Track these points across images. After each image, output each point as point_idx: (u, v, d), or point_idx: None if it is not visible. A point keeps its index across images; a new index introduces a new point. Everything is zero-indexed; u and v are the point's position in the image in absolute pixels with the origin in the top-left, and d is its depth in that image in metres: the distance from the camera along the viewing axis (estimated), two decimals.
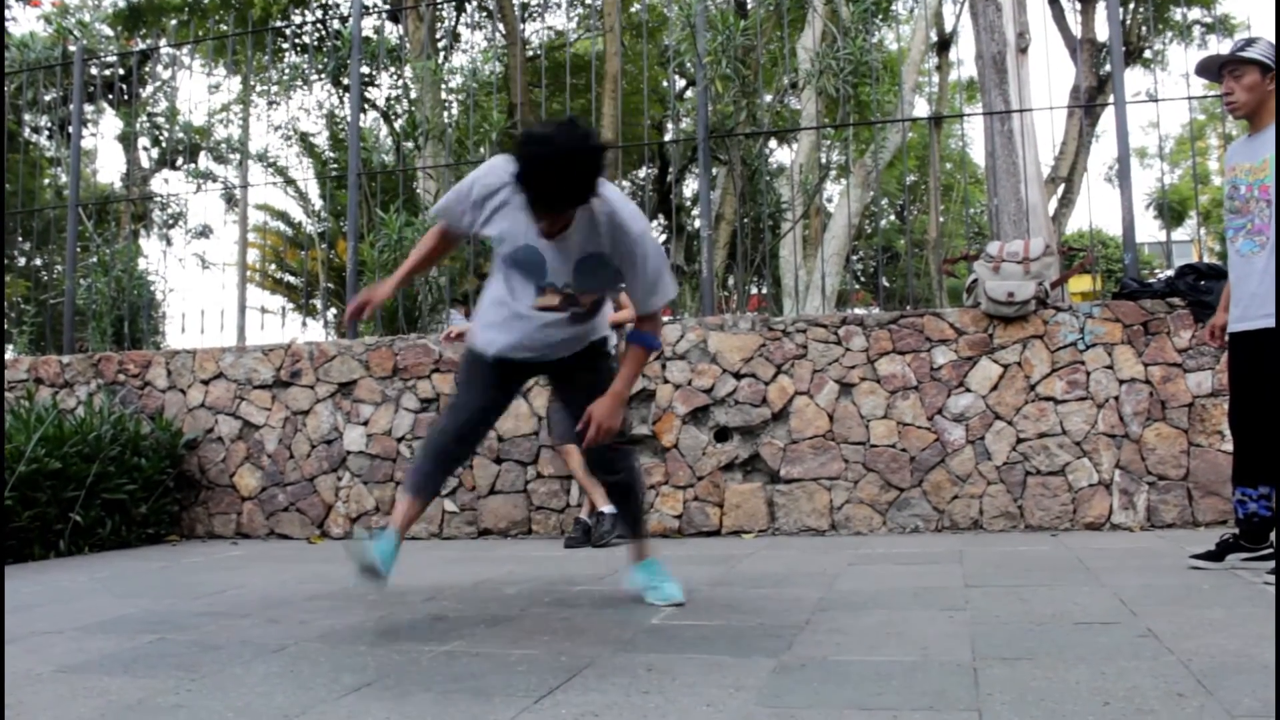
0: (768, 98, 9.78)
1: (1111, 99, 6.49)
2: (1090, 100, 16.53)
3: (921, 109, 19.35)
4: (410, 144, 9.68)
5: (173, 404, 7.16)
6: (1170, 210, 21.69)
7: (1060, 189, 17.53)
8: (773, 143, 13.60)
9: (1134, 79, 24.20)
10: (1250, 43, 3.93)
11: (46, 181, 16.06)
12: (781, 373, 6.12)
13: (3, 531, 5.19)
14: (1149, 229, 30.19)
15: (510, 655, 2.89)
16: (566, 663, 2.76)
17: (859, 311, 6.22)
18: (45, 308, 10.72)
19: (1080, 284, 15.77)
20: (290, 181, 19.84)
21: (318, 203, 20.10)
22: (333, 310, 16.77)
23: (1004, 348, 5.87)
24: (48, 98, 10.47)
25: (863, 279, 23.77)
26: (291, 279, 21.64)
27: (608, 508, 5.86)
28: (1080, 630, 2.96)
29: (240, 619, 3.67)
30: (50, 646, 3.25)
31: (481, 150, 8.48)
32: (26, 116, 12.75)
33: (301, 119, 18.82)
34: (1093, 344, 5.77)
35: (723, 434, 6.21)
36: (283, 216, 22.71)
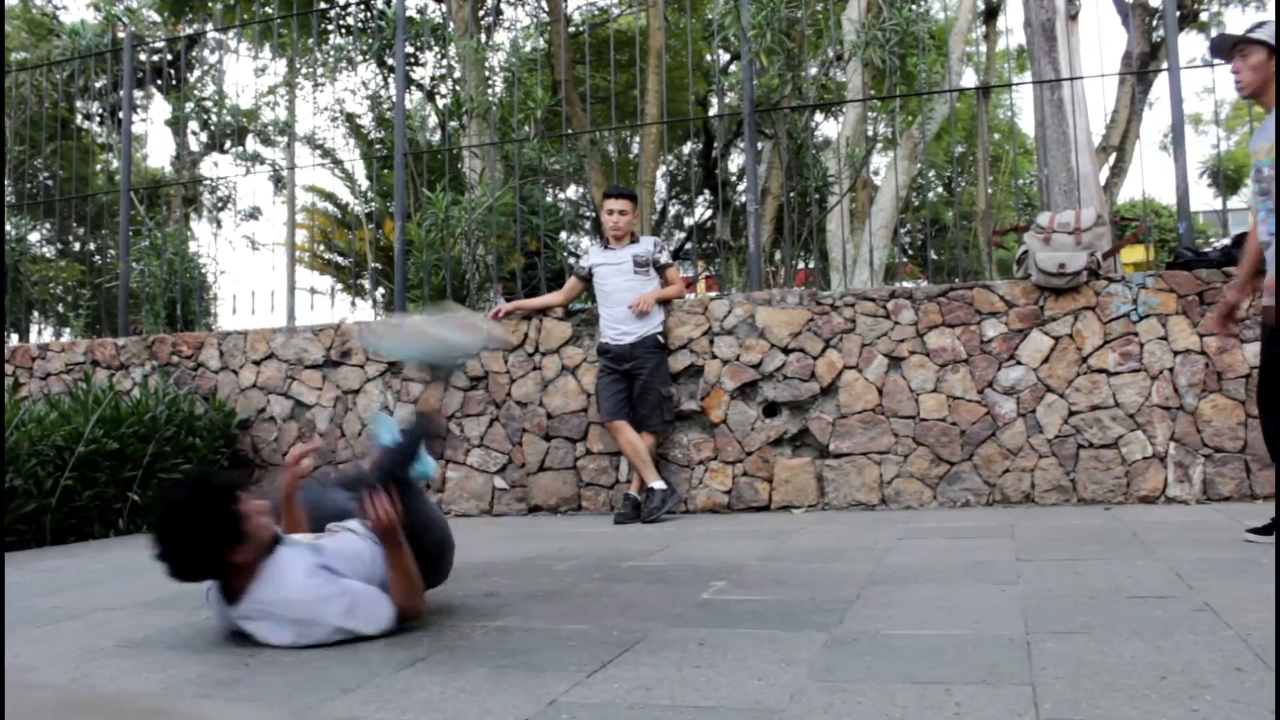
0: (813, 70, 9.69)
1: (1165, 64, 6.36)
2: (1143, 66, 16.22)
3: (969, 79, 19.14)
4: (455, 123, 9.71)
5: (225, 384, 7.26)
6: (1226, 178, 21.32)
7: (1112, 158, 17.23)
8: (819, 116, 13.49)
9: (1188, 43, 23.75)
10: (1260, 25, 4.03)
11: (99, 167, 16.27)
12: (830, 347, 6.09)
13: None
14: (1204, 197, 29.75)
15: (562, 630, 2.90)
16: (618, 637, 2.77)
17: (907, 285, 6.16)
18: (100, 291, 10.87)
19: (1133, 254, 15.56)
20: (337, 162, 19.97)
21: (364, 183, 20.21)
22: (381, 290, 16.89)
23: (1055, 320, 5.80)
24: (98, 84, 10.59)
25: (910, 252, 23.56)
26: (340, 259, 21.81)
27: (657, 484, 5.88)
28: (1135, 604, 2.93)
29: None
30: (112, 622, 3.31)
31: (526, 128, 8.48)
32: (78, 103, 12.92)
33: (347, 100, 18.89)
34: (1146, 315, 5.68)
35: (771, 409, 6.19)
36: (330, 197, 22.90)
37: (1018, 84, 17.33)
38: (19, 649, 2.96)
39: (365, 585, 2.91)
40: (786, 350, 6.15)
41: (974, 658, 2.40)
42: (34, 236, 11.51)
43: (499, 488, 6.60)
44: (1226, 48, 4.11)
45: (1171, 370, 5.62)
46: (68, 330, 12.71)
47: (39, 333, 13.24)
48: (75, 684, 2.51)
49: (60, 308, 14.15)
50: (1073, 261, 5.70)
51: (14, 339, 10.34)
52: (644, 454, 6.00)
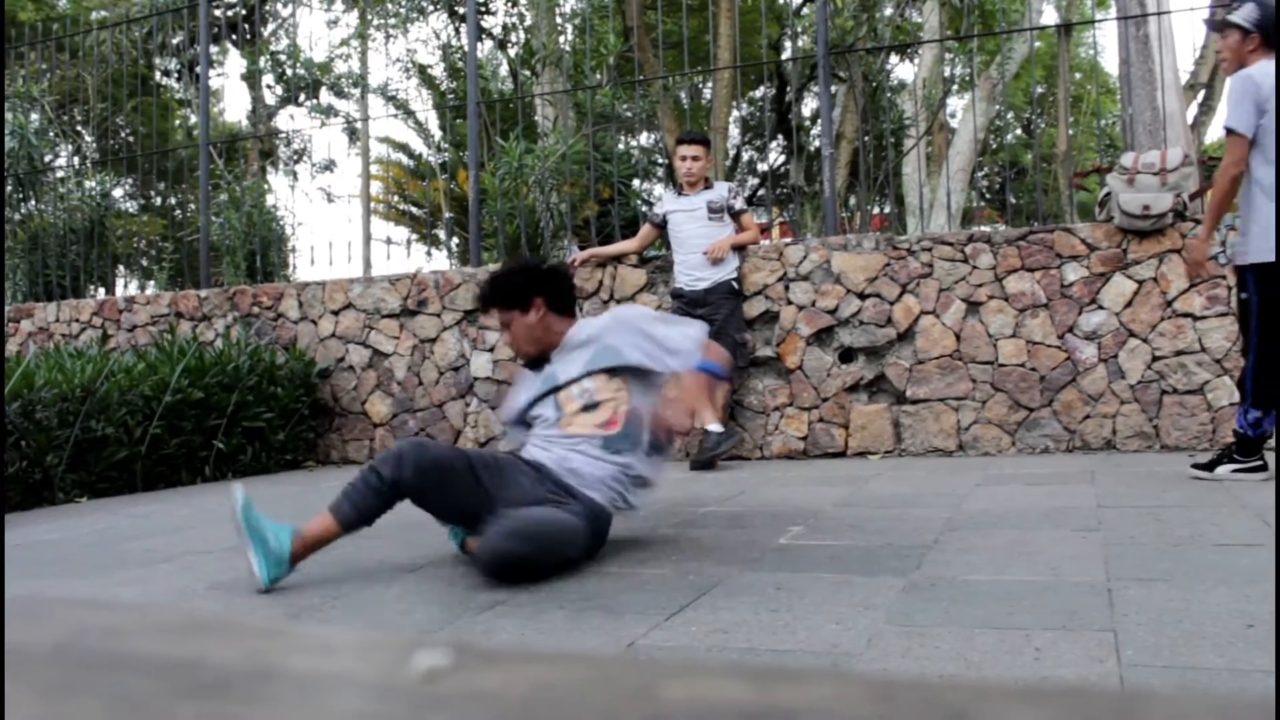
0: (888, 10, 9.51)
1: None
2: None
3: (1050, 16, 18.61)
4: (527, 71, 9.70)
5: (305, 334, 7.38)
6: None
7: (1200, 95, 16.71)
8: (894, 57, 13.24)
9: None
10: (1240, 5, 4.40)
11: (177, 122, 16.53)
12: (907, 292, 6.03)
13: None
14: None
15: (640, 574, 2.93)
16: (695, 581, 2.79)
17: (985, 229, 6.06)
18: (182, 245, 11.09)
19: None
20: (410, 113, 20.06)
21: (437, 133, 20.29)
22: (455, 239, 17.01)
23: (1139, 263, 5.67)
24: (175, 41, 10.74)
25: (989, 196, 23.13)
26: (414, 210, 21.96)
27: (714, 425, 5.87)
28: (1220, 552, 2.89)
29: (377, 540, 3.78)
30: (202, 565, 3.41)
31: (598, 75, 8.44)
32: (157, 60, 13.09)
33: (419, 51, 18.94)
34: None
35: (847, 355, 6.15)
36: (404, 148, 23.01)
37: (1101, 20, 16.81)
38: (116, 590, 3.07)
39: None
40: (862, 295, 6.09)
41: (1054, 603, 2.38)
42: (118, 192, 11.74)
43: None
44: (1217, 27, 4.53)
45: None
46: (152, 283, 12.99)
47: (124, 286, 13.56)
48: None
49: (144, 261, 14.44)
50: (1158, 203, 5.56)
51: (100, 292, 10.60)
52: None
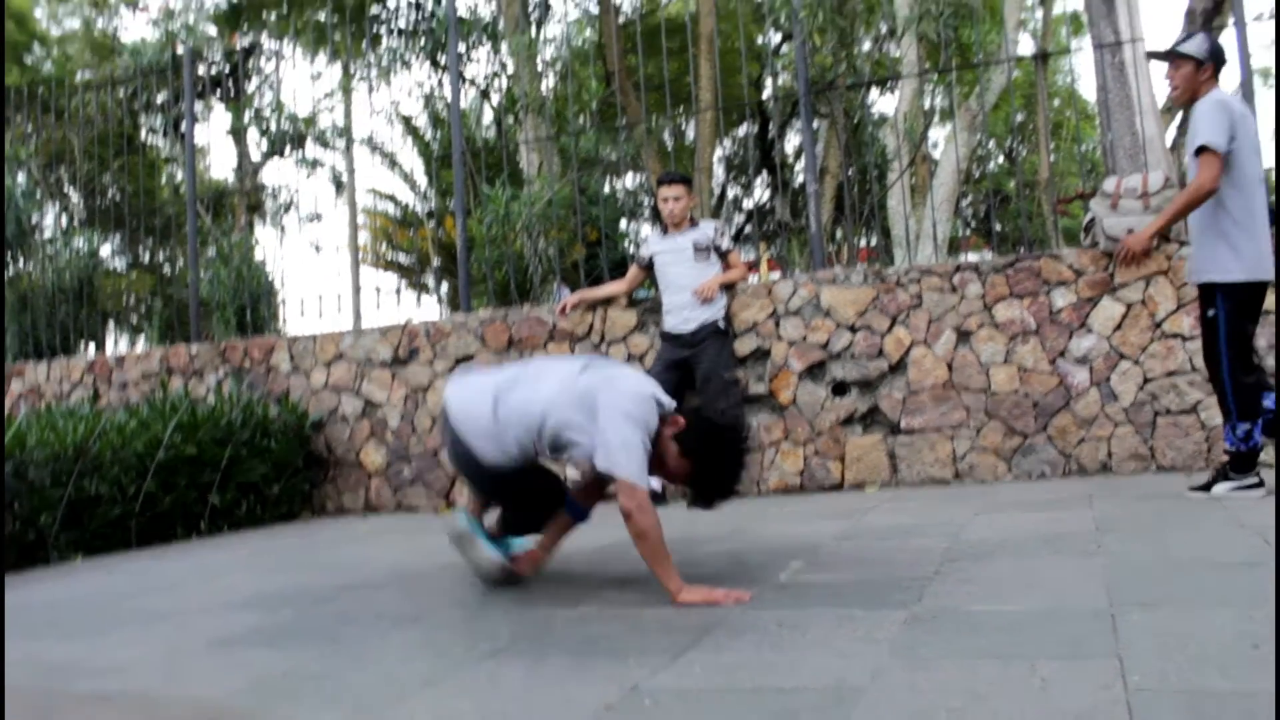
0: (866, 46, 9.60)
1: (1230, 20, 6.21)
2: (1206, 23, 15.84)
3: (1026, 46, 18.80)
4: (510, 119, 9.76)
5: (297, 387, 7.37)
6: None
7: (1179, 117, 16.85)
8: (874, 92, 13.35)
9: None
10: (1189, 38, 4.59)
11: (164, 179, 16.56)
12: (897, 324, 6.04)
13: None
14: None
15: (642, 616, 2.92)
16: (698, 621, 2.78)
17: (972, 258, 6.09)
18: (171, 300, 11.09)
19: None
20: (395, 163, 20.16)
21: (423, 181, 20.38)
22: (445, 286, 17.03)
23: (1126, 286, 5.70)
24: (160, 99, 10.79)
25: (974, 224, 23.26)
26: (403, 258, 22.02)
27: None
28: (1222, 572, 2.88)
29: (376, 590, 3.77)
30: (199, 622, 3.38)
31: (581, 120, 8.49)
32: (142, 119, 13.16)
33: (402, 101, 19.06)
34: None
35: (840, 388, 6.16)
36: (390, 198, 23.10)
37: (1077, 50, 16.99)
38: (112, 651, 3.04)
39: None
40: (853, 329, 6.11)
41: (1057, 631, 2.37)
42: (105, 250, 11.75)
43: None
44: (1164, 58, 4.62)
45: None
46: (142, 338, 12.97)
47: (115, 343, 13.55)
48: (170, 684, 2.57)
49: (134, 318, 14.44)
50: (1141, 226, 5.59)
51: (91, 349, 10.59)
52: None
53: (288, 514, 6.94)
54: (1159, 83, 15.80)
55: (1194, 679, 1.94)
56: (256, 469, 6.61)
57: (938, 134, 18.58)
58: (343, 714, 2.19)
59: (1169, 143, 12.74)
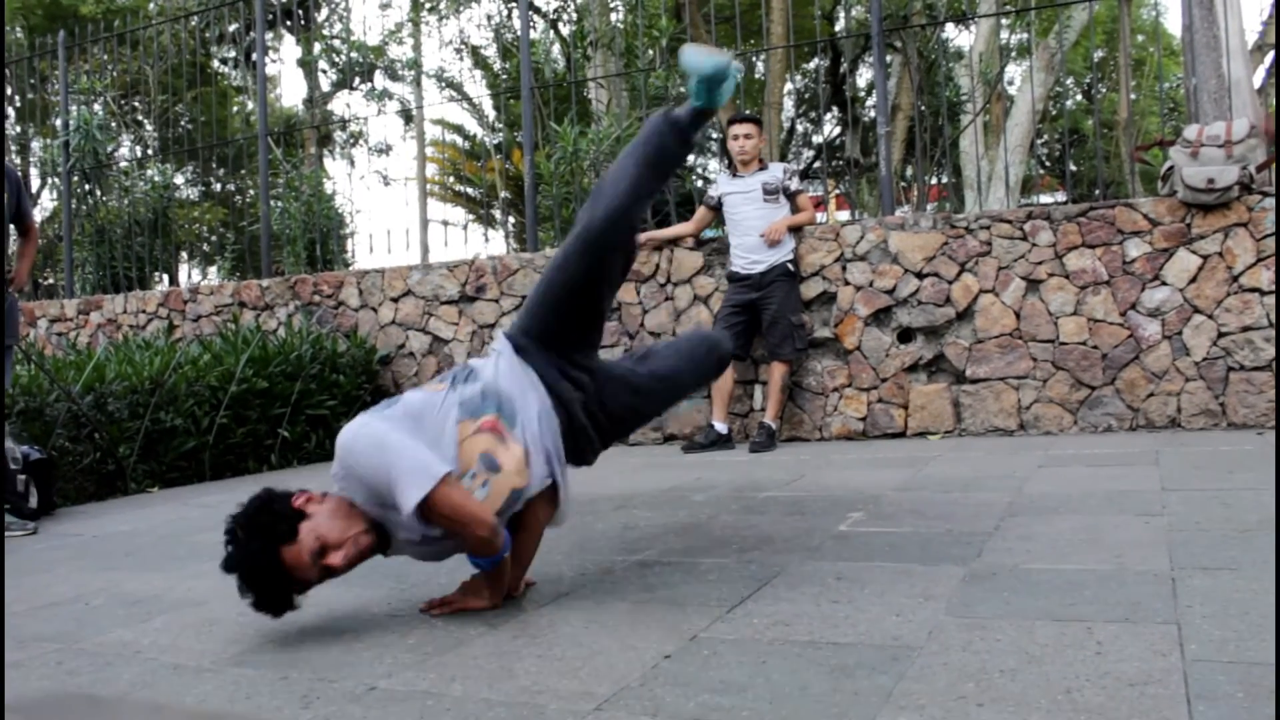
0: None
1: None
2: None
3: None
4: (579, 53, 9.70)
5: (365, 322, 7.47)
6: None
7: (1269, 58, 16.30)
8: (950, 29, 13.06)
9: None
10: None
11: (235, 109, 16.70)
12: (965, 271, 5.98)
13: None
14: None
15: (701, 564, 2.96)
16: (756, 571, 2.81)
17: (1044, 200, 5.95)
18: (243, 234, 11.25)
19: None
20: (464, 96, 20.14)
21: (491, 114, 20.36)
22: (512, 219, 17.08)
23: (1203, 238, 5.58)
24: (231, 30, 10.85)
25: (1048, 164, 22.78)
26: (470, 191, 22.08)
27: (721, 426, 6.04)
28: None
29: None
30: None
31: (651, 55, 8.42)
32: (214, 49, 13.25)
33: (471, 33, 19.00)
34: None
35: (906, 335, 6.12)
36: (458, 130, 23.13)
37: None
38: (190, 583, 3.15)
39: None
40: (921, 275, 6.05)
41: (1116, 594, 2.37)
42: (179, 179, 11.92)
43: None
44: None
45: None
46: (214, 270, 13.18)
47: (188, 275, 13.78)
48: (243, 616, 2.65)
49: (206, 248, 14.65)
50: (1222, 176, 5.45)
51: (165, 281, 10.80)
52: (727, 394, 6.18)
53: None
54: (1250, 18, 15.27)
55: (1253, 650, 1.92)
56: (325, 403, 6.74)
57: (1014, 70, 18.18)
58: (410, 654, 2.25)
59: (1257, 85, 12.35)
